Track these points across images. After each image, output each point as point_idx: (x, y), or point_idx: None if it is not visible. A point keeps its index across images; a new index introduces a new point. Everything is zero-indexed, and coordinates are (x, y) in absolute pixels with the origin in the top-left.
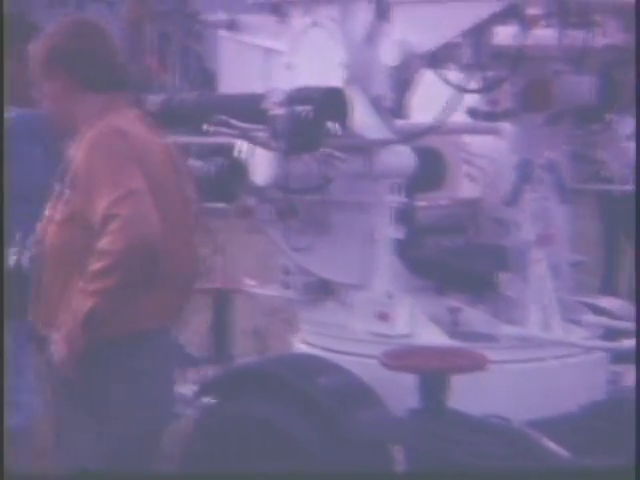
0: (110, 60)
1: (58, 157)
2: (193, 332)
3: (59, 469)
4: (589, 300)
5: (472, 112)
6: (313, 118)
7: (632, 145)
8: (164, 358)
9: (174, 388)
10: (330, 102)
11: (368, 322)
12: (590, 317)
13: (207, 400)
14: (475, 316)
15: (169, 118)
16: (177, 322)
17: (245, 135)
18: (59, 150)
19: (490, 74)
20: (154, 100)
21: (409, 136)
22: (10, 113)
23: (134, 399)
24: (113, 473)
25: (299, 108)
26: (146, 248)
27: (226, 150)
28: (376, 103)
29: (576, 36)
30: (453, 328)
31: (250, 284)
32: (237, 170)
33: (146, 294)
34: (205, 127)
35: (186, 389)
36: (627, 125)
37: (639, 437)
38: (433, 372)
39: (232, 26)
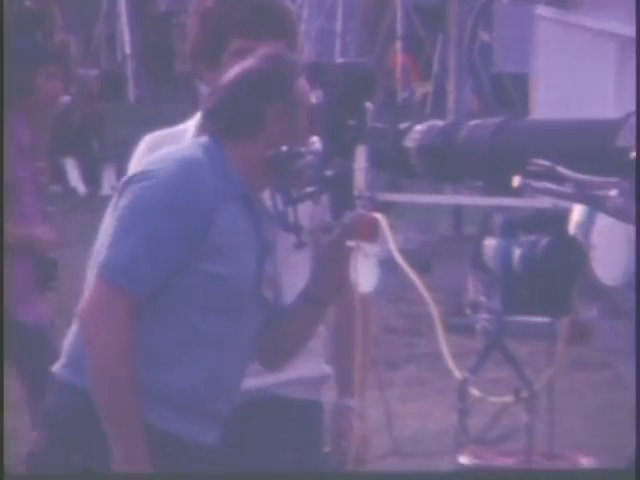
0: None
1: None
2: None
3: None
4: None
5: None
6: None
7: None
8: None
9: None
10: None
11: None
12: None
13: None
14: None
15: (451, 161)
16: None
17: (583, 195)
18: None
19: None
20: (420, 130)
21: None
22: None
23: None
24: (113, 473)
25: None
26: None
27: (552, 221)
28: None
29: None
30: None
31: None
32: (571, 258)
33: None
34: (516, 181)
35: None
36: None
37: (639, 437)
38: None
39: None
